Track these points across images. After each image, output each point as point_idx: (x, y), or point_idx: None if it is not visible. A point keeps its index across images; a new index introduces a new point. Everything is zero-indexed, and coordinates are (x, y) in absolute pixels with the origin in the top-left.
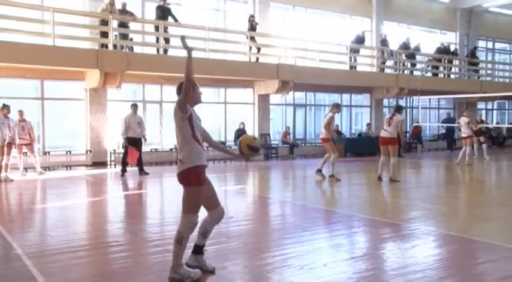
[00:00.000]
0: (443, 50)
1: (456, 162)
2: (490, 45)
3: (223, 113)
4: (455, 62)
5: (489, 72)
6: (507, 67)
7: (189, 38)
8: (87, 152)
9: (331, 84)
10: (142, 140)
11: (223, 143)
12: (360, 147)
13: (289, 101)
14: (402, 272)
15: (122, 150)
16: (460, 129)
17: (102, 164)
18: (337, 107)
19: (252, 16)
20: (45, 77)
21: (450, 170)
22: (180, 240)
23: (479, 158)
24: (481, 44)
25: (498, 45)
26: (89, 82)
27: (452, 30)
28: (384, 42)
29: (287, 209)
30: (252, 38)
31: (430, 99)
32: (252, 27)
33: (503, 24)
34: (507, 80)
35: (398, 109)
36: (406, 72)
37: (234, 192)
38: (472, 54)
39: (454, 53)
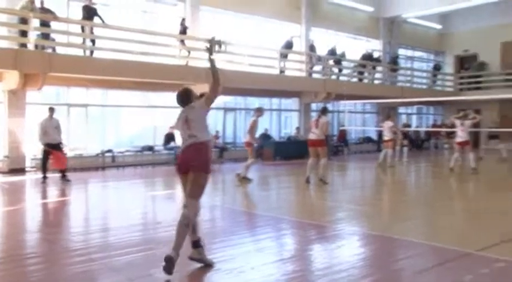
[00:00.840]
0: (368, 57)
1: (378, 163)
2: (409, 53)
3: (151, 117)
4: (379, 68)
5: (409, 78)
6: (424, 74)
7: (116, 39)
8: (3, 158)
9: (260, 89)
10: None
11: (151, 147)
12: (289, 151)
13: (219, 104)
14: (328, 272)
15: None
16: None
17: (20, 171)
18: (259, 111)
19: (183, 19)
20: None
21: (374, 172)
22: (188, 224)
23: (400, 160)
24: (402, 52)
25: (417, 54)
26: (6, 84)
27: (376, 38)
28: (312, 47)
29: (216, 213)
30: (183, 41)
31: (355, 103)
32: (183, 31)
33: (421, 34)
34: (424, 87)
35: (324, 111)
36: (333, 77)
37: (163, 198)
38: (394, 61)
39: (378, 60)
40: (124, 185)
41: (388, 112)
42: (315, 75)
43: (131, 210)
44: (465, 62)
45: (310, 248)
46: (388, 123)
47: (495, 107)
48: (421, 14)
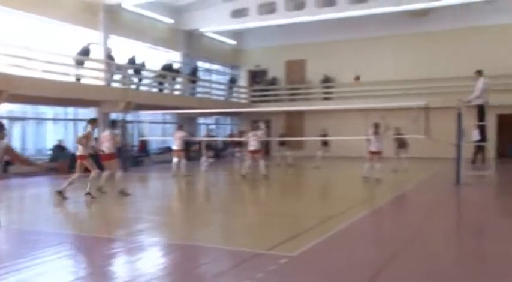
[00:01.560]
0: (168, 68)
1: (173, 173)
2: (207, 66)
3: None
4: (179, 79)
5: (207, 90)
6: (222, 86)
7: None
8: None
9: (53, 97)
10: None
11: None
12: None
13: (2, 113)
14: None
15: None
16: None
17: None
18: (94, 122)
19: None
20: None
21: (174, 182)
22: None
23: (200, 169)
24: (200, 64)
25: (214, 67)
26: None
27: (176, 50)
28: (110, 56)
29: None
30: None
31: (155, 113)
32: None
33: (218, 48)
34: (222, 98)
35: (113, 124)
36: (133, 87)
37: None
38: (193, 73)
39: (178, 71)
40: None
41: (180, 123)
42: (114, 84)
43: None
44: (257, 77)
45: (109, 264)
46: (181, 133)
47: (282, 117)
48: (217, 30)
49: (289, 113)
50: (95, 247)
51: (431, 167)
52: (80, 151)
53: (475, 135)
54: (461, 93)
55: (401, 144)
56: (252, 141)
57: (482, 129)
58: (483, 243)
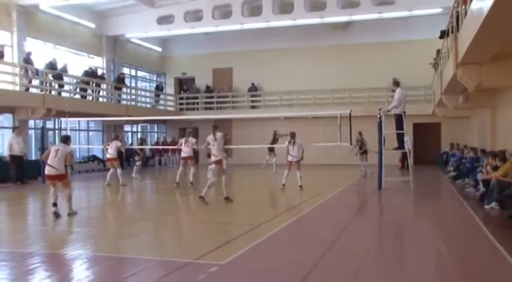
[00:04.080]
0: (91, 74)
1: (106, 183)
2: (133, 72)
3: None
4: (103, 86)
5: (133, 97)
6: (148, 94)
7: None
8: None
9: None
10: None
11: None
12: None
13: None
14: None
15: None
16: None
17: None
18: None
19: None
20: None
21: (102, 192)
22: None
23: (130, 177)
24: (126, 70)
25: (140, 74)
26: None
27: (100, 55)
28: (27, 59)
29: None
30: None
31: (79, 121)
32: None
33: (143, 55)
34: (148, 105)
35: (66, 140)
36: (53, 92)
37: None
38: (120, 80)
39: (102, 77)
40: None
41: (115, 132)
42: (32, 90)
43: None
44: (184, 84)
45: (27, 280)
46: (117, 143)
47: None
48: (142, 36)
49: (216, 122)
50: (13, 263)
51: (356, 173)
52: None
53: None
54: (381, 103)
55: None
56: (185, 148)
57: (400, 137)
58: (400, 241)
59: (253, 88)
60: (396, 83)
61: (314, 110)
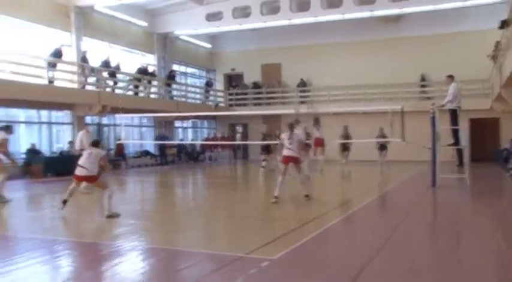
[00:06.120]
0: (143, 71)
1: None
2: (183, 69)
3: None
4: (154, 82)
5: (184, 93)
6: (198, 90)
7: None
8: None
9: (26, 99)
10: None
11: None
12: (62, 167)
13: None
14: None
15: None
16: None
17: None
18: (9, 129)
19: None
20: None
21: (153, 186)
22: None
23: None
24: (176, 67)
25: (190, 70)
26: None
27: (151, 53)
28: (84, 58)
29: None
30: None
31: (132, 117)
32: None
33: (193, 52)
34: (198, 102)
35: (96, 144)
36: (108, 90)
37: None
38: (171, 77)
39: (153, 74)
40: None
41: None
42: (88, 87)
43: None
44: (233, 80)
45: (89, 268)
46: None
47: (259, 121)
48: (192, 33)
49: (266, 117)
50: (73, 252)
51: (408, 170)
52: None
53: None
54: (434, 98)
55: (382, 147)
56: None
57: (455, 133)
58: (457, 240)
59: (302, 83)
60: (450, 77)
61: (364, 105)
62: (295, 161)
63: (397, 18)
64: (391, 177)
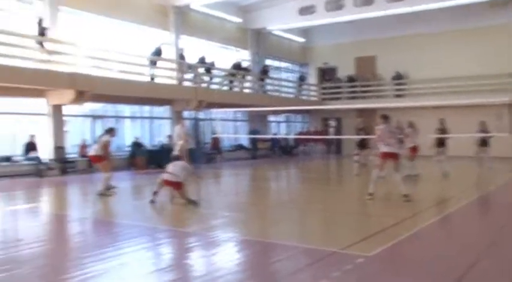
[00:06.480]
0: (237, 66)
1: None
2: (276, 63)
3: (9, 125)
4: (248, 77)
5: (277, 88)
6: (290, 84)
7: None
8: None
9: (131, 96)
10: None
11: (9, 157)
12: (163, 159)
13: (86, 112)
14: (205, 280)
15: None
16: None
17: None
18: (112, 131)
19: (41, 20)
20: None
21: (247, 179)
22: None
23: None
24: (269, 62)
25: (283, 64)
26: None
27: (245, 48)
28: (182, 56)
29: (86, 226)
30: (42, 44)
31: (227, 111)
32: (42, 32)
33: (286, 46)
34: (291, 96)
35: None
36: (204, 85)
37: (25, 212)
38: (264, 71)
39: (247, 70)
40: None
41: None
42: (185, 83)
43: None
44: (326, 74)
45: (186, 257)
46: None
47: (353, 116)
48: (284, 28)
49: (360, 111)
50: (173, 240)
51: None
52: (96, 152)
53: None
54: None
55: (483, 142)
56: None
57: None
58: None
59: (398, 76)
60: None
61: (466, 97)
62: (394, 157)
63: (505, 1)
64: (494, 176)
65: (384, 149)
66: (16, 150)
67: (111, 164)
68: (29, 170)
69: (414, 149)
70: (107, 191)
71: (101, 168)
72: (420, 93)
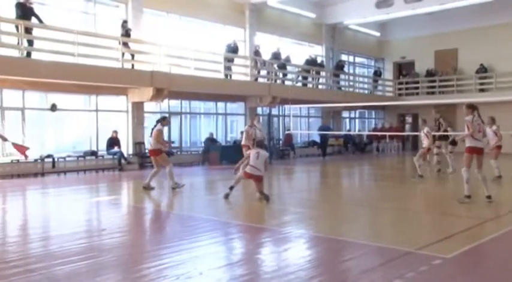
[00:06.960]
0: (311, 62)
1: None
2: (351, 59)
3: (94, 121)
4: (322, 73)
5: (351, 83)
6: (365, 80)
7: (55, 41)
8: None
9: (206, 93)
10: None
11: (94, 152)
12: (235, 155)
13: (164, 108)
14: (276, 275)
15: None
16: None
17: None
18: (165, 120)
19: (125, 21)
20: None
21: (319, 176)
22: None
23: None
24: (344, 57)
25: (358, 60)
26: None
27: (319, 44)
28: (257, 52)
29: (163, 218)
30: (125, 44)
31: (300, 107)
32: (126, 33)
33: (361, 41)
34: (366, 91)
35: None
36: (278, 81)
37: (107, 203)
38: (339, 67)
39: (321, 65)
40: (65, 191)
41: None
42: (260, 80)
43: (73, 217)
44: (403, 69)
45: (258, 252)
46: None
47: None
48: (361, 22)
49: (438, 107)
50: (245, 235)
51: None
52: (152, 146)
53: None
54: None
55: None
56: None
57: None
58: None
59: (482, 69)
60: None
61: None
62: (481, 153)
63: None
64: None
65: (471, 143)
66: (100, 145)
67: (166, 157)
68: (111, 164)
69: (499, 147)
70: (176, 184)
71: (161, 162)
72: (506, 87)
